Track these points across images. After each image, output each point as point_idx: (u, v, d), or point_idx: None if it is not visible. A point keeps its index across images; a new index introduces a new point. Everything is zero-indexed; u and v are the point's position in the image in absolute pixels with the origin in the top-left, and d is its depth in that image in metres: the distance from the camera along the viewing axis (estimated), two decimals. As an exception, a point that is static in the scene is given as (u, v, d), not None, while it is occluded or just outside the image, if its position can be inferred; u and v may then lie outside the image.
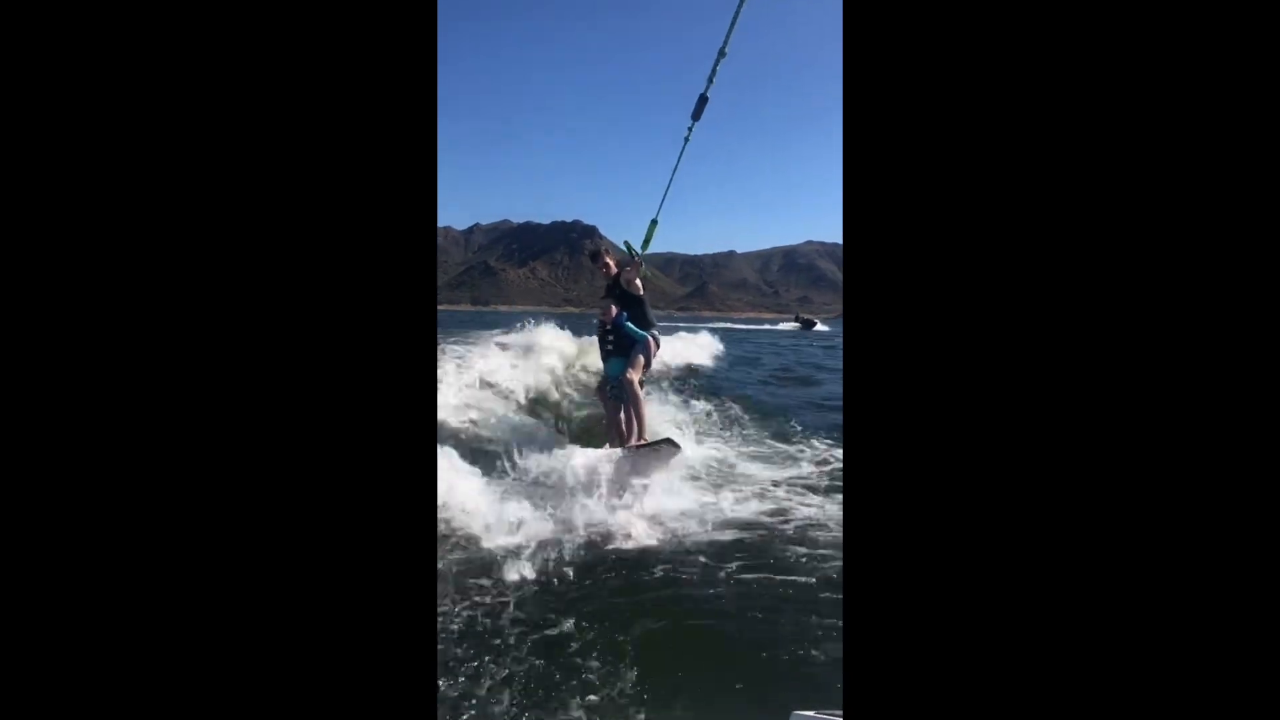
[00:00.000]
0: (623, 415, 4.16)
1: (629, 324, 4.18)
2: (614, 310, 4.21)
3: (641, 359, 4.16)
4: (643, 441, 4.00)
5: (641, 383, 4.25)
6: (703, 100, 3.91)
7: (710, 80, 3.91)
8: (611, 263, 4.41)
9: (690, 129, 3.97)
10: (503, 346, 6.89)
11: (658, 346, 4.29)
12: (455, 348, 6.46)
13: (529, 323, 8.17)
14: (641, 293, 4.26)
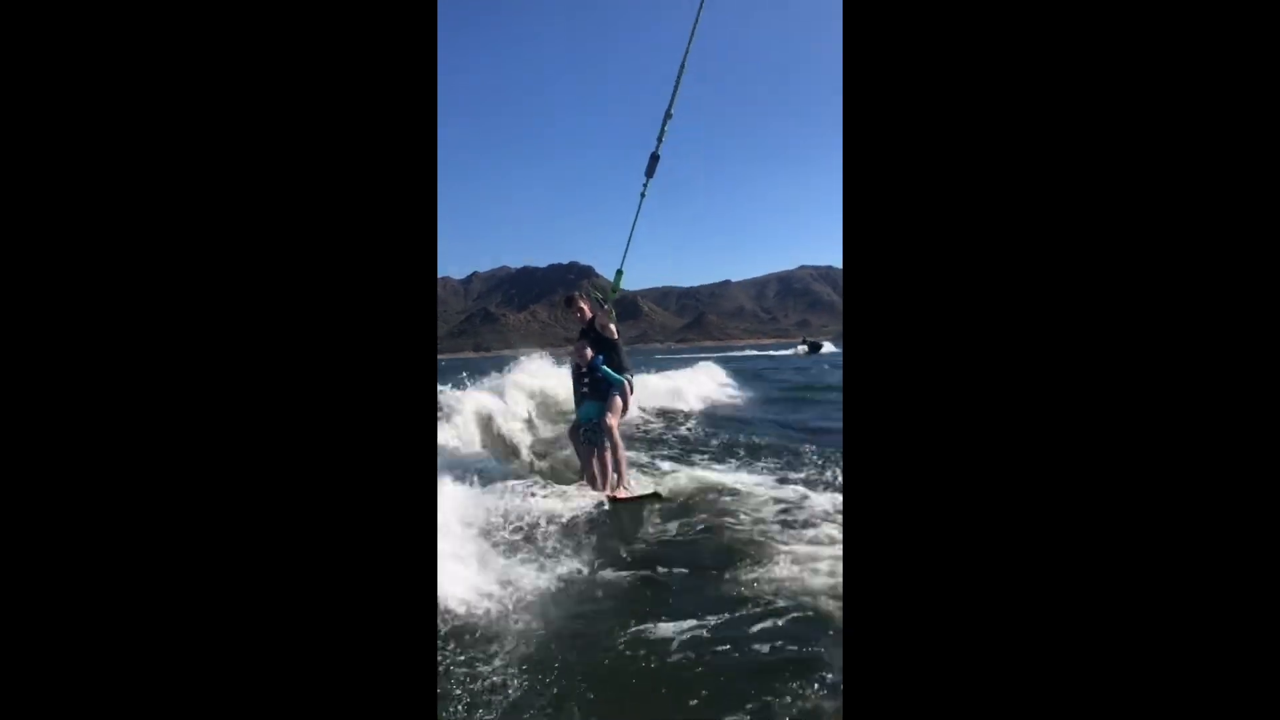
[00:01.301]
0: (597, 460, 4.15)
1: (605, 367, 4.24)
2: (590, 352, 4.25)
3: (619, 402, 4.21)
4: (626, 494, 4.01)
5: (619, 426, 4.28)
6: (654, 159, 4.27)
7: (660, 140, 4.27)
8: (585, 307, 4.48)
9: (645, 185, 4.32)
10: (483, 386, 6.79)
11: (632, 391, 4.36)
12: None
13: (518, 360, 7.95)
14: (615, 337, 4.36)
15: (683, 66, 4.22)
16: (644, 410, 8.21)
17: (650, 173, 4.29)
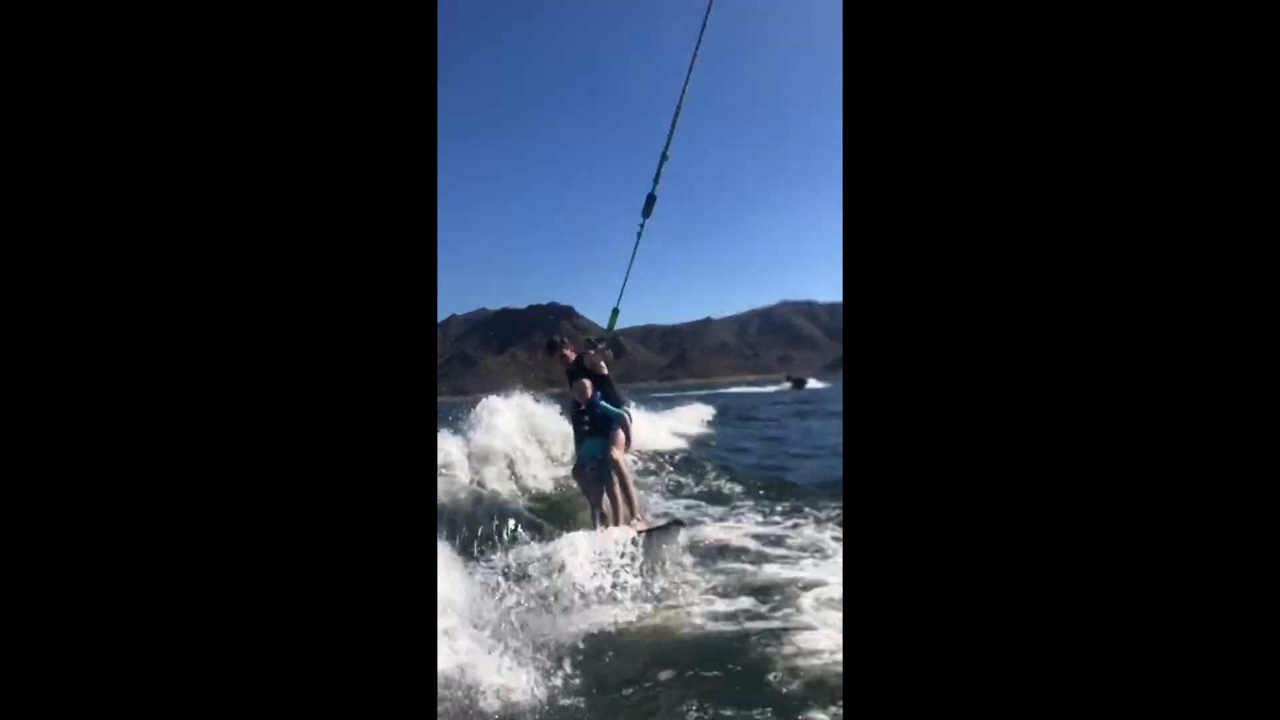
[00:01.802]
0: (608, 497, 4.07)
1: (604, 403, 4.18)
2: (590, 390, 4.17)
3: (622, 435, 4.13)
4: (644, 524, 3.93)
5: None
6: (651, 199, 4.22)
7: (656, 180, 4.23)
8: (569, 353, 4.43)
9: (642, 225, 4.25)
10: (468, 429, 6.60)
11: (632, 422, 4.32)
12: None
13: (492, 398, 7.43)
14: (607, 372, 4.35)
15: (679, 109, 4.21)
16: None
17: (647, 213, 4.24)
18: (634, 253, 4.35)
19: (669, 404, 13.68)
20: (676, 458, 8.09)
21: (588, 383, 4.20)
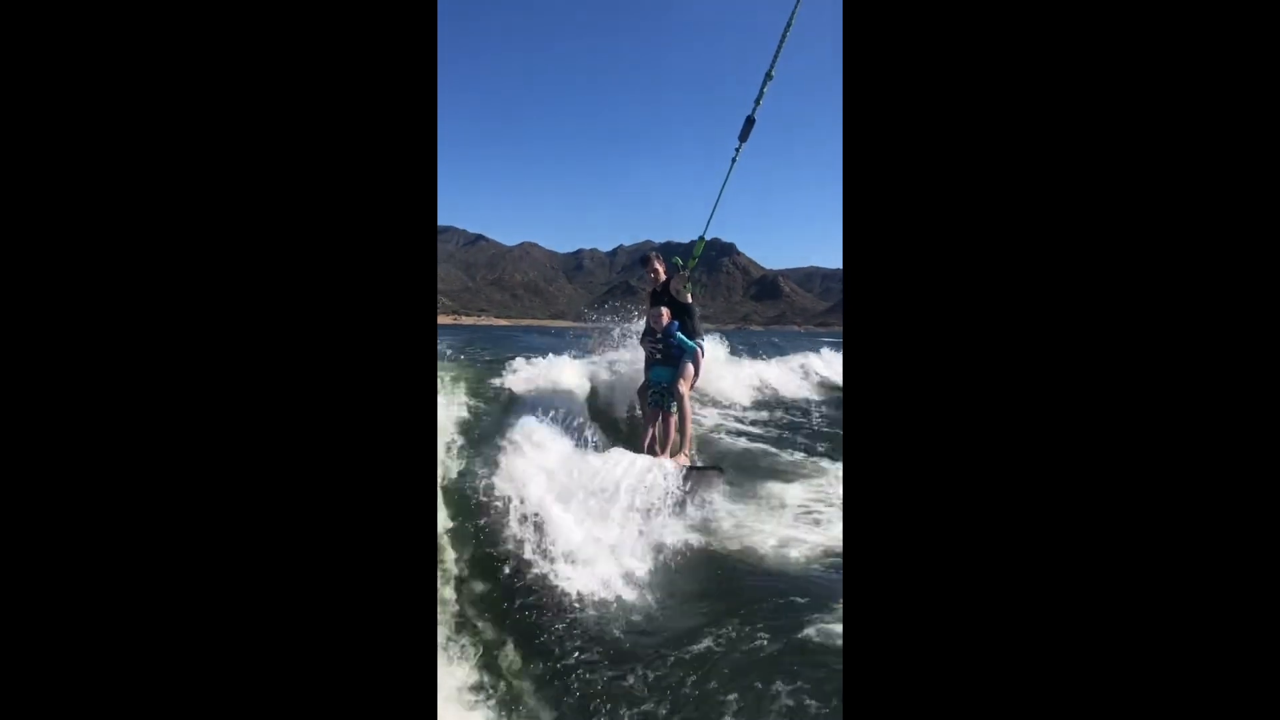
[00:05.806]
0: (662, 424, 4.19)
1: (680, 333, 4.21)
2: (667, 317, 4.22)
3: (692, 368, 4.18)
4: (694, 462, 4.05)
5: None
6: (749, 122, 4.08)
7: (757, 103, 4.08)
8: (660, 269, 4.49)
9: (738, 149, 4.16)
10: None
11: (704, 356, 4.31)
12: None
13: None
14: (689, 300, 4.32)
15: (789, 24, 3.99)
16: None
17: (744, 137, 4.11)
18: (727, 178, 4.27)
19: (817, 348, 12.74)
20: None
21: (665, 310, 4.23)
